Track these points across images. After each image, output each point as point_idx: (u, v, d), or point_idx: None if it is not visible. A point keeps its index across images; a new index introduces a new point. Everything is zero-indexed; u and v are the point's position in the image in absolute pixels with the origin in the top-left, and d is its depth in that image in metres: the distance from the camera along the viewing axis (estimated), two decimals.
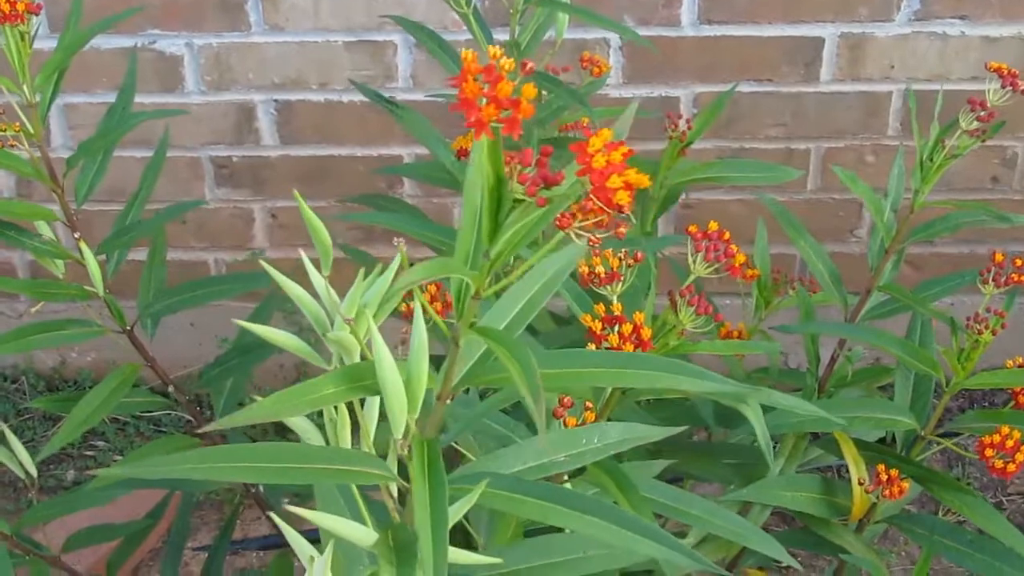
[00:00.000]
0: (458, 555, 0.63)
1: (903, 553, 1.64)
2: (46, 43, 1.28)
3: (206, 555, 1.24)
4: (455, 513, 0.61)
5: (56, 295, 1.02)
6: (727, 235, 0.81)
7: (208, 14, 1.69)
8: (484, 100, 0.49)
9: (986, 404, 1.86)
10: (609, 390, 0.84)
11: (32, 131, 0.95)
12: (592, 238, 0.51)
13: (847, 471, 0.99)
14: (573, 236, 0.51)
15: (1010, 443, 0.91)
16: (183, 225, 1.87)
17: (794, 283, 1.11)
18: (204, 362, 1.12)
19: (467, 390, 0.90)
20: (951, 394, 0.97)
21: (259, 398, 0.56)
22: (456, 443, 0.91)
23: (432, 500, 0.56)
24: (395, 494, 0.64)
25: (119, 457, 1.82)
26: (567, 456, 0.69)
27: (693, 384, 0.61)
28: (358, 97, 1.71)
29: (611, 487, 0.78)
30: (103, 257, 1.03)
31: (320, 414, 0.64)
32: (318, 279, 0.63)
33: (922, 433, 0.99)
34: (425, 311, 0.59)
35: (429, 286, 0.84)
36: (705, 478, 1.09)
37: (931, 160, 0.99)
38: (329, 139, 1.79)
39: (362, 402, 0.64)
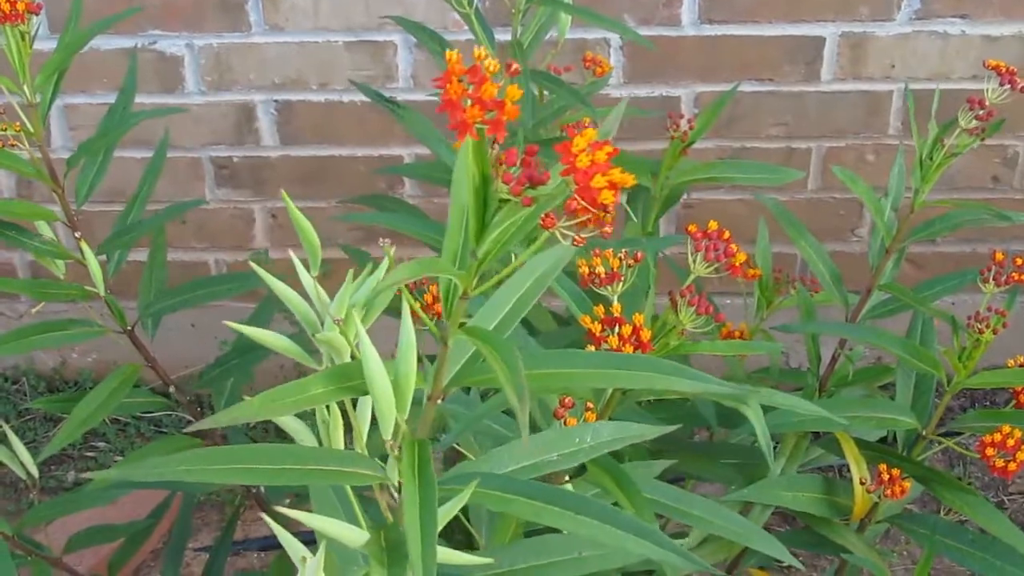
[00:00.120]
0: (450, 555, 0.63)
1: (905, 553, 1.64)
2: (46, 43, 1.28)
3: (207, 556, 1.24)
4: (446, 513, 0.61)
5: (57, 295, 1.02)
6: (727, 234, 0.81)
7: (208, 14, 1.69)
8: (468, 101, 0.49)
9: (987, 403, 1.87)
10: (609, 391, 0.84)
11: (33, 131, 0.95)
12: (577, 238, 0.51)
13: (848, 471, 0.99)
14: (559, 236, 0.51)
15: (1011, 442, 0.91)
16: (183, 225, 1.87)
17: (795, 283, 1.11)
18: (205, 362, 1.12)
19: (468, 391, 0.90)
20: (952, 393, 0.97)
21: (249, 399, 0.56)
22: (458, 444, 0.91)
23: (421, 500, 0.56)
24: (395, 495, 0.64)
25: (120, 458, 1.83)
26: (560, 455, 0.69)
27: (689, 385, 0.61)
28: (358, 97, 1.72)
29: (612, 487, 0.78)
30: (104, 257, 1.04)
31: (315, 415, 0.64)
32: (307, 279, 0.63)
33: (923, 432, 0.99)
34: (413, 311, 0.59)
35: (431, 286, 0.84)
36: (706, 478, 1.09)
37: (931, 159, 0.99)
38: (329, 139, 1.79)
39: (355, 403, 0.64)
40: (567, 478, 0.85)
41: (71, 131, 1.79)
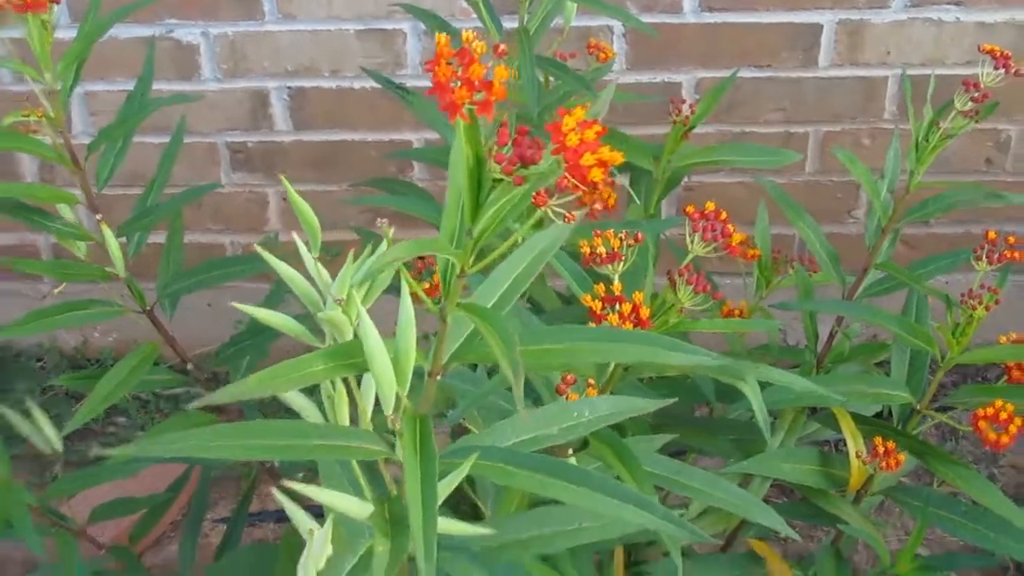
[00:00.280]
0: (451, 526, 0.64)
1: (899, 524, 1.66)
2: (67, 32, 1.31)
3: (225, 527, 1.26)
4: (447, 486, 0.62)
5: (78, 276, 1.04)
6: (724, 215, 0.83)
7: (223, 4, 1.72)
8: (457, 83, 0.50)
9: (979, 379, 1.88)
10: (611, 368, 0.85)
11: (54, 117, 0.96)
12: (568, 215, 0.52)
13: (845, 444, 0.99)
14: (550, 214, 0.52)
15: (1003, 415, 0.91)
16: (200, 209, 1.90)
17: (793, 263, 1.12)
18: (221, 341, 1.14)
19: (475, 368, 0.92)
20: (946, 369, 0.97)
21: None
22: (464, 420, 0.93)
23: (423, 474, 0.56)
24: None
25: (140, 433, 1.85)
26: (560, 429, 0.69)
27: (684, 359, 0.61)
28: (369, 84, 1.74)
29: (613, 460, 0.79)
30: (123, 239, 1.04)
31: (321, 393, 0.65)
32: (308, 259, 0.63)
33: (918, 407, 1.00)
34: (412, 290, 0.60)
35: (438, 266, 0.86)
36: (706, 452, 1.10)
37: (926, 141, 1.01)
38: (341, 125, 1.81)
39: (359, 381, 0.64)
40: (571, 452, 0.86)
41: (91, 117, 1.82)
